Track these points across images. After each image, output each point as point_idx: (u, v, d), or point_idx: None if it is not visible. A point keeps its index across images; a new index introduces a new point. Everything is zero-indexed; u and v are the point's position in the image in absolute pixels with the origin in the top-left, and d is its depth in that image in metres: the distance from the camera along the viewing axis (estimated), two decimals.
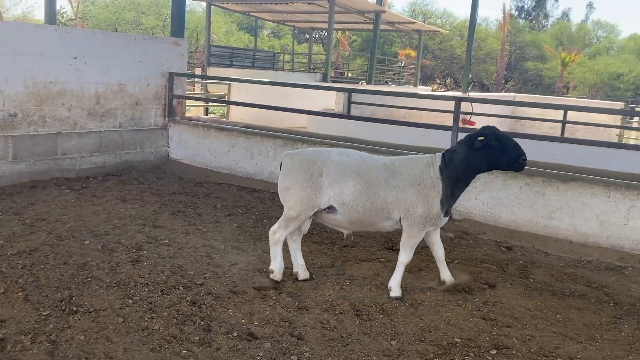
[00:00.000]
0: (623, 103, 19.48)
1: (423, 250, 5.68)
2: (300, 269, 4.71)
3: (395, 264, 4.56)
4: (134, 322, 3.71)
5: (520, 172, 5.99)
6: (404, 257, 4.49)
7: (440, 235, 4.74)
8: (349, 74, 36.41)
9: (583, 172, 6.22)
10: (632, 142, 19.73)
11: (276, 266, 4.53)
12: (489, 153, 4.31)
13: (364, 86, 18.91)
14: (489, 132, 4.30)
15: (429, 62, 48.64)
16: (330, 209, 4.43)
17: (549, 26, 60.34)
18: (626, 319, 4.34)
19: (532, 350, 3.76)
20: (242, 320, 3.88)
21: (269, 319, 3.93)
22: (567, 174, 6.13)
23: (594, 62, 48.51)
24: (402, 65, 37.06)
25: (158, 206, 6.65)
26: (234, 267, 4.86)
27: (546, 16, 63.01)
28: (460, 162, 4.37)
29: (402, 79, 32.37)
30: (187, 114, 9.71)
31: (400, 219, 4.41)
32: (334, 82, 21.13)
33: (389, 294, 4.46)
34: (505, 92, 47.31)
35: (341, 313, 4.11)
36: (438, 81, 53.34)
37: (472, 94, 17.87)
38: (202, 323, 3.79)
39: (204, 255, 5.11)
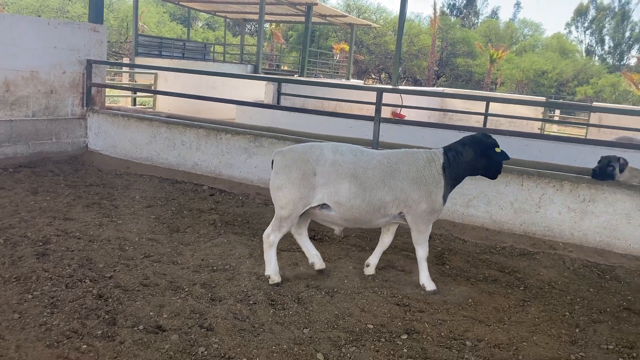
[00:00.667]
0: (544, 98, 20.33)
1: (343, 239, 5.71)
2: (316, 259, 4.64)
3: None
4: (31, 318, 3.51)
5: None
6: (422, 252, 4.54)
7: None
8: (285, 67, 36.30)
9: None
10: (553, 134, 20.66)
11: (271, 270, 4.41)
12: (491, 162, 4.57)
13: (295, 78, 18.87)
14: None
15: (364, 56, 49.12)
16: (324, 206, 4.37)
17: (479, 24, 62.22)
18: (534, 302, 4.49)
19: (442, 334, 3.82)
20: (151, 313, 3.74)
21: (179, 311, 3.81)
22: None
23: (521, 60, 50.35)
24: (337, 59, 37.22)
25: (72, 198, 6.35)
26: (146, 259, 4.70)
27: (476, 14, 65.01)
28: (465, 164, 4.51)
29: (337, 73, 32.52)
30: (117, 105, 9.34)
31: (399, 214, 4.43)
32: (266, 74, 20.98)
33: (423, 289, 4.48)
34: (437, 87, 48.47)
35: (255, 303, 4.04)
36: (373, 76, 53.95)
37: (402, 88, 18.17)
38: (107, 317, 3.63)
39: (116, 248, 4.91)
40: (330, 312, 3.99)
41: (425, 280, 4.52)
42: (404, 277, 4.79)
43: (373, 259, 4.78)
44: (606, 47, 60.79)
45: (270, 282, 4.37)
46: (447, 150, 4.54)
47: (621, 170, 5.71)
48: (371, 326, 3.84)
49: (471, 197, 6.28)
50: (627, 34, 58.98)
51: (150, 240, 5.20)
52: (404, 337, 3.73)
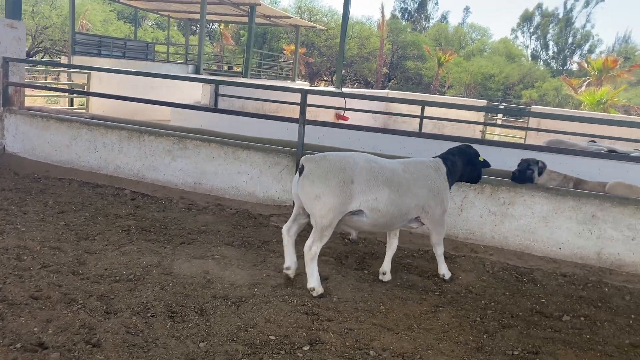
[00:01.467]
0: (486, 101, 20.70)
1: (262, 245, 5.54)
2: (293, 266, 4.67)
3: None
4: None
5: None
6: (440, 250, 5.03)
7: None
8: (237, 68, 35.82)
9: None
10: (495, 138, 21.04)
11: (315, 282, 4.39)
12: (475, 169, 5.21)
13: (236, 79, 18.59)
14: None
15: (315, 59, 49.11)
16: (357, 212, 4.44)
17: (429, 28, 63.14)
18: (446, 307, 4.42)
19: (347, 344, 3.70)
20: (35, 329, 3.48)
21: (67, 326, 3.56)
22: None
23: (469, 63, 51.31)
24: (286, 61, 37.03)
25: None
26: (44, 270, 4.41)
27: (427, 18, 65.97)
28: (458, 171, 5.07)
29: (288, 75, 32.34)
30: (54, 106, 8.90)
31: (415, 218, 4.81)
32: (210, 74, 20.61)
33: (444, 279, 5.01)
34: (388, 89, 48.86)
35: (153, 316, 3.82)
36: (325, 78, 54.03)
37: (351, 91, 18.16)
38: None
39: (13, 257, 4.59)
40: (232, 324, 3.82)
41: (445, 270, 5.05)
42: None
43: (387, 266, 4.99)
44: (550, 52, 62.58)
45: (315, 294, 4.36)
46: (445, 159, 5.01)
47: (540, 173, 5.75)
48: (273, 337, 3.69)
49: None
50: (570, 39, 60.92)
51: (54, 248, 4.90)
52: (306, 348, 3.59)
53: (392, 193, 4.46)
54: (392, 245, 5.02)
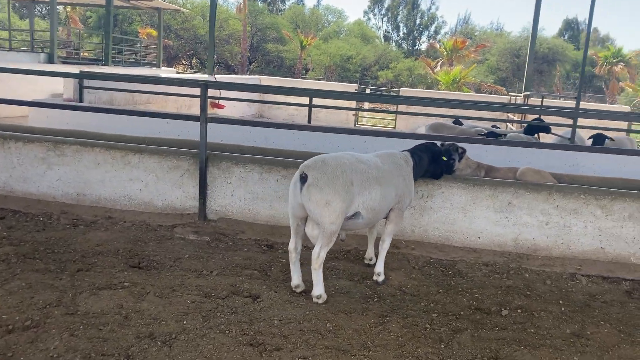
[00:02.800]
0: (356, 85, 21.04)
1: (175, 264, 4.93)
2: (300, 285, 4.57)
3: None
4: None
5: (277, 165, 5.65)
6: (388, 244, 4.91)
7: (195, 241, 5.15)
8: (86, 54, 33.06)
9: None
10: (364, 121, 21.47)
11: (322, 289, 4.35)
12: (438, 166, 5.39)
13: (99, 68, 17.01)
14: (445, 150, 5.50)
15: (172, 42, 46.98)
16: (354, 215, 4.43)
17: (285, 10, 63.08)
18: (392, 316, 4.18)
19: None
20: None
21: None
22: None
23: (327, 46, 52.10)
24: (143, 45, 34.87)
25: None
26: None
27: (283, 0, 65.85)
28: (423, 166, 5.21)
29: (145, 60, 30.42)
30: None
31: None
32: (64, 63, 18.69)
33: (377, 281, 4.84)
34: (250, 73, 48.19)
35: None
36: (183, 61, 51.99)
37: (220, 77, 17.38)
38: None
39: None
40: None
41: (382, 268, 4.88)
42: (252, 306, 4.18)
43: (371, 252, 5.24)
44: (401, 34, 65.46)
45: (321, 302, 4.31)
46: (412, 153, 5.11)
47: (460, 160, 5.70)
48: None
49: None
50: (418, 21, 64.18)
51: None
52: None
53: (382, 189, 4.53)
54: (373, 234, 5.22)
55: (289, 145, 7.40)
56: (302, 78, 41.75)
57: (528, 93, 15.95)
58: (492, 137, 10.42)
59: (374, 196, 4.48)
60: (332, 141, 8.42)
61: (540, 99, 15.69)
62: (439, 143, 5.60)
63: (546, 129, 10.88)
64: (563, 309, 4.57)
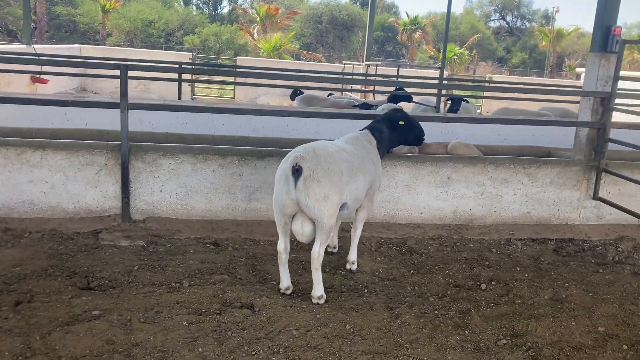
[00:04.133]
0: (190, 54, 19.90)
1: (125, 276, 4.23)
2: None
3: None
4: None
5: (212, 154, 5.13)
6: (360, 231, 4.77)
7: (129, 247, 4.69)
8: None
9: (276, 145, 5.71)
10: (199, 91, 20.44)
11: (322, 289, 4.08)
12: (405, 132, 5.02)
13: None
14: (404, 115, 5.06)
15: None
16: (342, 206, 4.16)
17: None
18: (398, 307, 4.06)
19: None
20: None
21: None
22: (263, 149, 5.49)
23: (127, 9, 48.54)
24: None
25: None
26: None
27: None
28: (386, 139, 4.88)
29: None
30: None
31: None
32: None
33: (350, 270, 4.67)
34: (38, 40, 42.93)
35: None
36: None
37: (37, 47, 15.09)
38: None
39: None
40: None
41: (355, 256, 4.74)
42: (256, 317, 3.75)
43: (336, 240, 5.10)
44: None
45: (322, 302, 4.04)
46: (372, 130, 4.83)
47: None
48: None
49: (254, 188, 5.45)
50: None
51: None
52: None
53: (363, 177, 4.35)
54: (338, 222, 4.96)
55: (213, 130, 6.68)
56: (108, 45, 38.43)
57: (370, 62, 16.61)
58: (366, 109, 10.69)
59: (358, 185, 4.30)
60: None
61: (397, 68, 16.41)
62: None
63: (408, 97, 11.47)
64: (526, 275, 4.89)
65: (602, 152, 5.82)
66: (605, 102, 5.73)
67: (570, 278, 4.87)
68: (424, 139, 5.17)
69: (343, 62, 22.52)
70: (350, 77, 15.41)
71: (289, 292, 4.19)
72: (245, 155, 5.37)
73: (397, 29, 47.30)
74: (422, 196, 5.72)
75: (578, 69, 26.77)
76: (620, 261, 5.39)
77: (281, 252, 4.12)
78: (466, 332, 3.80)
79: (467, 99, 11.23)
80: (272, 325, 3.69)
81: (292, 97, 11.94)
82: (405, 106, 11.83)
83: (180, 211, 5.38)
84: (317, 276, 4.04)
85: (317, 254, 3.99)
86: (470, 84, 19.51)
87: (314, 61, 36.96)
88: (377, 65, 16.40)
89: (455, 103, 10.82)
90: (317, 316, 3.83)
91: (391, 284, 4.56)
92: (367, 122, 5.02)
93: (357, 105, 11.03)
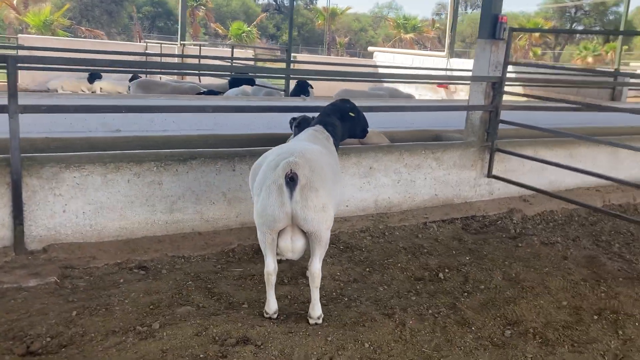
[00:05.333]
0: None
1: (81, 331, 3.37)
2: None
3: None
4: None
5: (127, 161, 4.35)
6: None
7: (41, 287, 3.84)
8: None
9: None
10: None
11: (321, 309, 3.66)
12: (354, 124, 4.74)
13: None
14: (353, 106, 4.75)
15: None
16: None
17: None
18: (395, 315, 3.86)
19: None
20: None
21: None
22: (184, 151, 4.75)
23: None
24: None
25: None
26: None
27: None
28: (339, 134, 4.53)
29: None
30: None
31: None
32: None
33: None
34: None
35: None
36: None
37: None
38: None
39: None
40: None
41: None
42: (264, 353, 3.24)
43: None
44: None
45: (320, 321, 3.63)
46: (326, 125, 4.44)
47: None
48: None
49: (175, 198, 4.71)
50: None
51: None
52: None
53: (340, 180, 4.15)
54: None
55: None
56: None
57: (186, 42, 15.64)
58: (213, 95, 10.09)
59: (339, 189, 4.01)
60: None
61: (230, 49, 15.55)
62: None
63: (251, 81, 11.07)
64: (467, 258, 5.01)
65: (495, 133, 6.25)
66: (496, 86, 6.13)
67: (503, 256, 5.14)
68: (367, 131, 4.96)
69: (145, 41, 20.92)
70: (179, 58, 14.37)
71: (275, 316, 3.70)
72: (165, 160, 4.60)
73: (168, 4, 45.33)
74: (347, 188, 5.53)
75: (370, 48, 28.68)
76: (525, 233, 5.87)
77: (271, 274, 3.60)
78: (473, 328, 3.76)
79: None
80: (289, 358, 3.22)
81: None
82: (246, 89, 11.44)
83: (89, 233, 4.42)
84: (317, 295, 3.63)
85: (318, 271, 3.57)
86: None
87: (95, 38, 33.78)
88: (200, 45, 15.51)
89: (303, 88, 10.79)
90: (328, 339, 3.45)
91: (360, 287, 4.32)
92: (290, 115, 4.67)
93: (204, 92, 10.36)
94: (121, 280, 4.10)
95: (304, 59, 20.88)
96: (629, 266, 5.10)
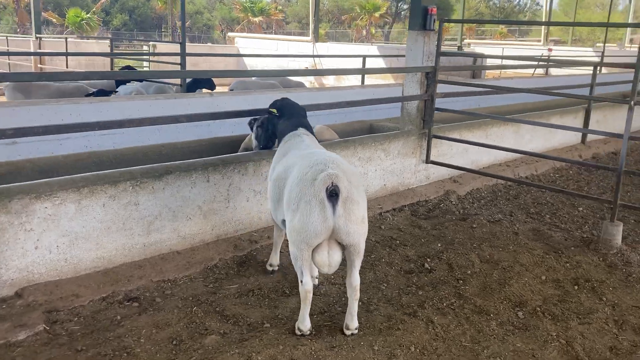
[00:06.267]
0: None
1: None
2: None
3: None
4: None
5: (101, 183, 3.97)
6: None
7: (33, 339, 3.36)
8: None
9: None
10: None
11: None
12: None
13: None
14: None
15: None
16: None
17: None
18: (398, 316, 3.94)
19: None
20: None
21: None
22: (157, 166, 4.35)
23: None
24: None
25: None
26: None
27: None
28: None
29: None
30: None
31: None
32: None
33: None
34: None
35: None
36: None
37: None
38: None
39: None
40: None
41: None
42: None
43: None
44: None
45: (355, 332, 3.58)
46: (307, 127, 4.33)
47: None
48: None
49: (152, 217, 4.31)
50: None
51: None
52: None
53: None
54: (282, 236, 4.38)
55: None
56: None
57: (42, 35, 14.11)
58: (105, 95, 9.31)
59: None
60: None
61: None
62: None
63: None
64: (439, 245, 5.22)
65: (431, 120, 6.52)
66: (430, 75, 6.39)
67: (467, 239, 5.42)
68: None
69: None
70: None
71: (308, 333, 3.58)
72: (141, 178, 4.18)
73: None
74: None
75: (231, 34, 28.10)
76: (468, 213, 6.23)
77: (309, 292, 3.46)
78: (491, 315, 3.94)
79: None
80: None
81: None
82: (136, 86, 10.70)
83: (65, 268, 3.91)
84: (356, 307, 3.58)
85: (358, 282, 3.53)
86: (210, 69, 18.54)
87: None
88: (66, 38, 14.08)
89: (202, 82, 10.38)
90: (375, 348, 3.43)
91: (363, 288, 4.29)
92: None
93: (93, 92, 9.53)
94: (118, 317, 3.69)
95: (167, 49, 19.83)
96: (569, 235, 5.66)
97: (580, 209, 6.51)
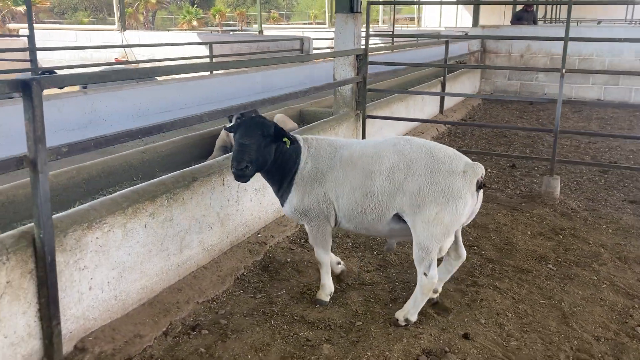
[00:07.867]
0: None
1: None
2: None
3: None
4: None
5: (142, 200, 3.51)
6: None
7: None
8: None
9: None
10: None
11: None
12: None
13: None
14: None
15: None
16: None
17: None
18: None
19: None
20: None
21: None
22: (186, 171, 3.78)
23: None
24: None
25: None
26: None
27: None
28: None
29: None
30: None
31: None
32: None
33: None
34: None
35: None
36: None
37: None
38: None
39: None
40: None
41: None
42: None
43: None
44: None
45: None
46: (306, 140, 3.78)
47: None
48: None
49: (183, 233, 3.77)
50: None
51: None
52: None
53: None
54: None
55: None
56: None
57: None
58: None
59: None
60: None
61: None
62: None
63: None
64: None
65: (365, 101, 6.65)
66: (361, 57, 6.48)
67: None
68: None
69: None
70: None
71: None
72: (174, 189, 3.61)
73: None
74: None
75: (13, 25, 24.55)
76: None
77: (435, 284, 3.49)
78: (534, 272, 4.24)
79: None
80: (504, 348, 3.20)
81: None
82: None
83: (115, 307, 3.24)
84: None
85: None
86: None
87: None
88: None
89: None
90: (481, 321, 3.54)
91: (398, 272, 4.32)
92: None
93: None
94: (201, 350, 3.21)
95: None
96: (513, 192, 6.28)
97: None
